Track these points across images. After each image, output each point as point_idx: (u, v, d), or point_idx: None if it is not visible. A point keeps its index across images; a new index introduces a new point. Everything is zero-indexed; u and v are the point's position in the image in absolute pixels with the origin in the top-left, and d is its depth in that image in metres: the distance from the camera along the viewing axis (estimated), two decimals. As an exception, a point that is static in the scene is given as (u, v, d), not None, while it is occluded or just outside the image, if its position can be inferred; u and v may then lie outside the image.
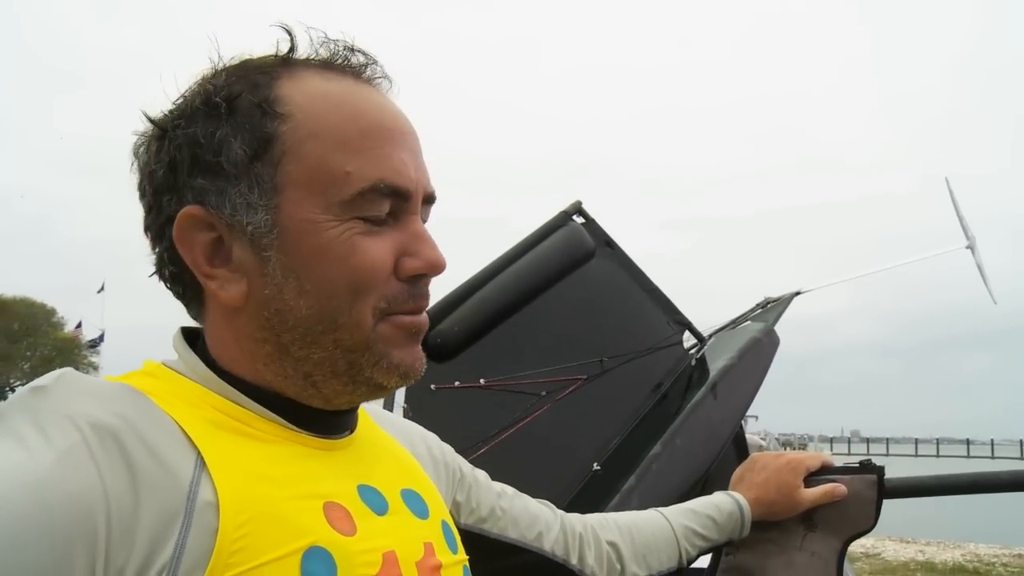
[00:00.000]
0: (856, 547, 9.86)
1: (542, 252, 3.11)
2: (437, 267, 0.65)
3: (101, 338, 39.24)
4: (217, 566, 0.52)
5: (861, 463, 1.28)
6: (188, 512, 0.52)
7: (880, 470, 1.26)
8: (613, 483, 2.84)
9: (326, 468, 0.63)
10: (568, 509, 3.19)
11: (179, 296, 0.67)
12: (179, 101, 0.64)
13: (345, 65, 0.66)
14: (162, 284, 0.67)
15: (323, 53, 0.66)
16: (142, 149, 0.65)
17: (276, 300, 0.61)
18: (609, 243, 3.41)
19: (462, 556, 0.73)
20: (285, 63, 0.64)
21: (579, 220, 3.26)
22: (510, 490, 0.94)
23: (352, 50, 0.66)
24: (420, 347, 0.67)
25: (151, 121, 0.64)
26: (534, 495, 3.39)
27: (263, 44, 0.65)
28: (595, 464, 2.95)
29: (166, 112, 0.64)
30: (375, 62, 0.67)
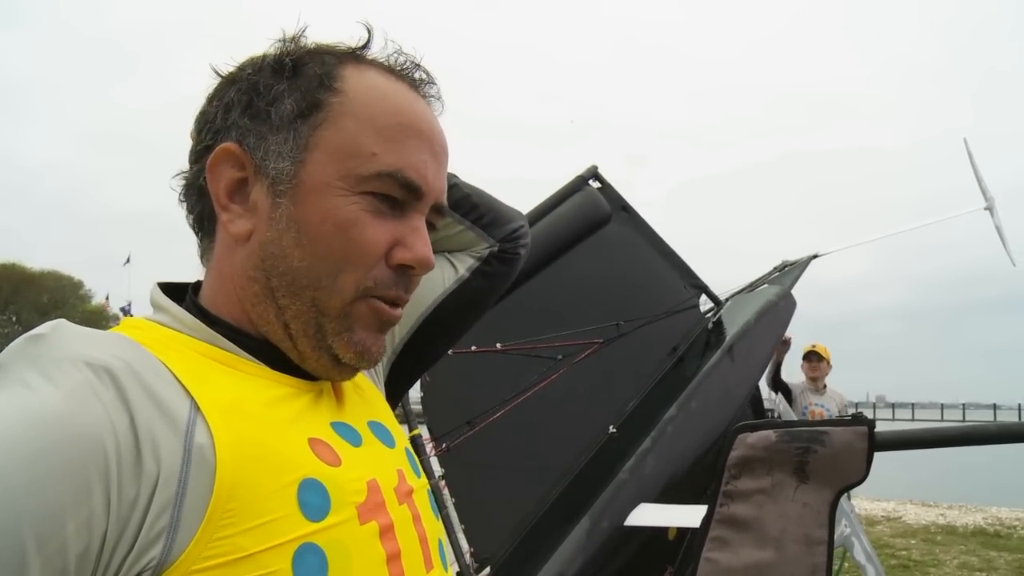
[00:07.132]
0: (877, 510, 9.88)
1: (558, 217, 3.11)
2: (424, 263, 0.70)
3: (129, 311, 39.89)
4: (218, 505, 0.55)
5: (853, 415, 1.29)
6: (187, 451, 0.55)
7: (871, 423, 1.28)
8: (629, 445, 2.87)
9: (305, 408, 0.68)
10: (585, 471, 3.20)
11: (194, 225, 0.74)
12: (247, 59, 0.72)
13: (404, 73, 0.73)
14: (184, 214, 0.74)
15: (390, 60, 0.73)
16: (209, 93, 0.73)
17: (274, 244, 0.67)
18: (625, 207, 3.41)
19: (425, 480, 0.79)
20: (354, 55, 0.72)
21: (595, 184, 3.25)
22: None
23: (416, 65, 0.74)
24: (383, 336, 0.72)
25: (216, 72, 0.72)
26: (550, 458, 3.40)
27: (340, 35, 0.73)
28: (611, 427, 2.98)
29: (234, 66, 0.72)
30: (433, 82, 0.75)
